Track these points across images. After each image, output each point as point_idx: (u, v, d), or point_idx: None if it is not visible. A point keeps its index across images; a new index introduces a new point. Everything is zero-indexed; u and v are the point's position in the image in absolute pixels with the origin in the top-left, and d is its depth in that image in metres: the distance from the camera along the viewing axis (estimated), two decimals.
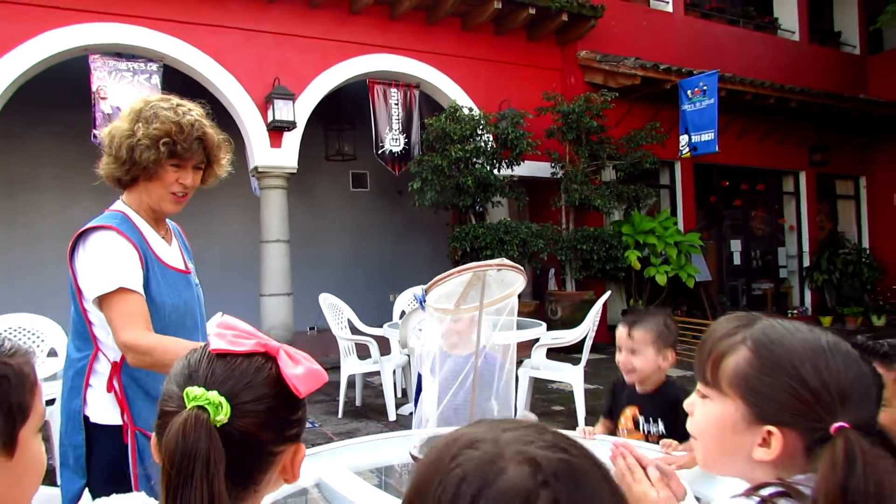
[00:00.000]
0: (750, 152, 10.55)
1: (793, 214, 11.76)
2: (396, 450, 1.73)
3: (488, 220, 7.98)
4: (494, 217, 8.05)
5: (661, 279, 8.21)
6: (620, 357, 2.07)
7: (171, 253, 1.78)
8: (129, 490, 1.23)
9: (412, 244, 11.18)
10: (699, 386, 0.86)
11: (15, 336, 4.30)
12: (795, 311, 11.51)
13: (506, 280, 1.43)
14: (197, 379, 0.74)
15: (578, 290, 8.34)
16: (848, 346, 0.79)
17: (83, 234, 1.62)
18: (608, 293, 5.38)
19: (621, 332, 2.07)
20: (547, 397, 5.63)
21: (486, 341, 1.58)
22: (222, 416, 0.70)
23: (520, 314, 6.61)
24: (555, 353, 5.19)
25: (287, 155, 7.57)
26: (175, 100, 1.68)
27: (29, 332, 4.40)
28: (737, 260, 11.21)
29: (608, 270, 8.07)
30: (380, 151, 8.04)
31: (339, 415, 5.28)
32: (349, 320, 5.62)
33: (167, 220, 1.84)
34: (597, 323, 5.03)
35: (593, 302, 5.33)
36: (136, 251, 1.62)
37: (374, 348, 5.16)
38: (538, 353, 4.87)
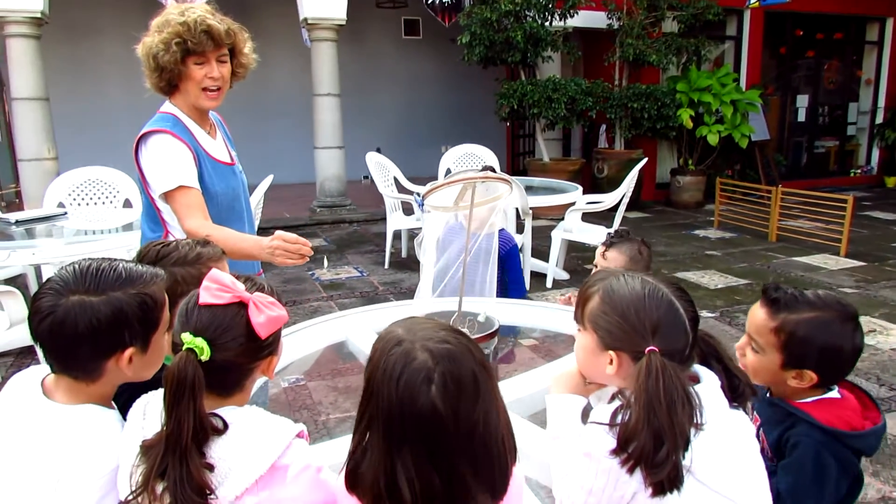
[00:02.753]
0: None
1: (872, 66, 10.96)
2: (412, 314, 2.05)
3: (538, 76, 7.85)
4: (545, 72, 7.91)
5: (713, 139, 8.06)
6: None
7: (217, 147, 2.05)
8: None
9: (466, 94, 11.09)
10: (577, 324, 1.14)
11: (93, 188, 4.78)
12: (859, 171, 11.14)
13: (494, 186, 1.64)
14: (190, 325, 1.01)
15: (627, 148, 8.30)
16: (665, 292, 1.04)
17: (144, 137, 1.90)
18: (644, 161, 5.44)
19: (599, 251, 2.24)
20: (582, 256, 5.92)
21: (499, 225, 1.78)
22: (205, 356, 0.99)
23: (564, 172, 6.82)
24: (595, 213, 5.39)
25: (335, 5, 7.48)
26: (185, 5, 1.88)
27: (106, 184, 4.84)
28: (802, 116, 10.73)
29: (659, 129, 7.96)
30: (429, 0, 7.83)
31: (386, 265, 5.75)
32: (395, 178, 5.91)
33: (210, 113, 2.08)
34: (632, 188, 5.16)
35: (640, 161, 5.41)
36: (189, 151, 1.90)
37: (416, 206, 5.48)
38: (572, 217, 5.09)
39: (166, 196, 1.89)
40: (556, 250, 5.04)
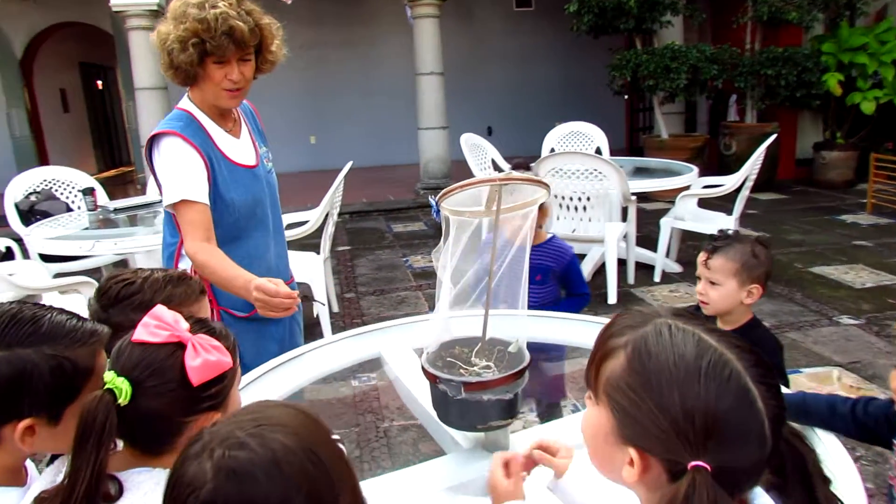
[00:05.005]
0: None
1: None
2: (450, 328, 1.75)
3: (657, 44, 7.15)
4: (665, 39, 7.19)
5: (868, 107, 6.96)
6: (698, 287, 1.82)
7: (238, 148, 1.83)
8: None
9: (582, 66, 10.47)
10: (587, 389, 0.75)
11: None
12: None
13: (526, 190, 1.31)
14: (118, 363, 0.88)
15: (760, 121, 7.40)
16: (736, 370, 0.63)
17: (155, 139, 1.73)
18: (773, 136, 4.73)
19: (700, 259, 1.80)
20: (699, 245, 5.29)
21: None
22: (122, 399, 0.85)
23: (685, 150, 6.18)
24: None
25: None
26: None
27: None
28: None
29: (799, 98, 7.00)
30: None
31: None
32: (493, 160, 5.58)
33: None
34: (758, 167, 4.50)
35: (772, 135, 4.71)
36: (200, 158, 1.71)
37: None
38: (684, 203, 4.53)
39: (172, 209, 1.74)
40: (664, 240, 4.51)
